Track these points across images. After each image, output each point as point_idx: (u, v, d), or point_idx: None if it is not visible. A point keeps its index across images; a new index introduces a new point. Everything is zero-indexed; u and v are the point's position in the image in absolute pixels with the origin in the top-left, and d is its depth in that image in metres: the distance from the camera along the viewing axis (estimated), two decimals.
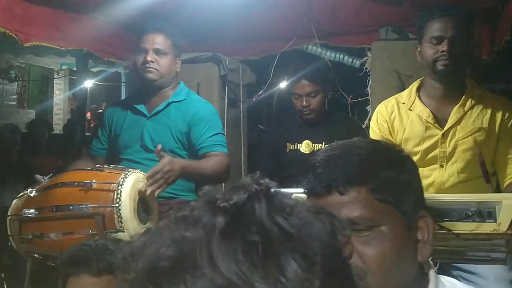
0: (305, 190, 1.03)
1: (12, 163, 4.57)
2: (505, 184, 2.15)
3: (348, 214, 0.95)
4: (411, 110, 2.28)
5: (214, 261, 0.48)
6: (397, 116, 2.31)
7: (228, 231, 0.50)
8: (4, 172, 4.44)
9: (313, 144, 3.10)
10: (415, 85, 2.34)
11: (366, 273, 0.93)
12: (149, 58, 2.56)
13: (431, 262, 1.07)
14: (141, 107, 2.67)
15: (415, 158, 2.24)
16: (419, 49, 2.26)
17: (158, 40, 2.60)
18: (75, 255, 1.48)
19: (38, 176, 2.21)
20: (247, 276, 0.47)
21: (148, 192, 2.11)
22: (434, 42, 2.17)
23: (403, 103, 2.32)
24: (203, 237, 0.50)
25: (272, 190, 0.56)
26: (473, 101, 2.21)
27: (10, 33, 2.57)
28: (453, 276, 2.06)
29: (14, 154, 4.68)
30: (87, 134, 9.05)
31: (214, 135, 2.56)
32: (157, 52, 2.59)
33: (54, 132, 10.11)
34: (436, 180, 2.20)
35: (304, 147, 3.11)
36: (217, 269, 0.48)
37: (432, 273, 1.04)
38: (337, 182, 0.97)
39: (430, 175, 2.22)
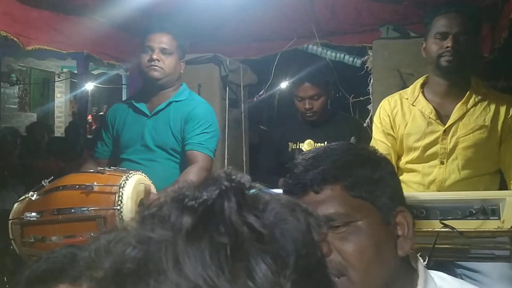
0: (283, 192, 1.07)
1: (13, 166, 4.56)
2: None
3: (324, 212, 0.99)
4: (414, 105, 2.28)
5: (180, 265, 0.46)
6: (400, 111, 2.31)
7: (195, 232, 0.48)
8: (6, 175, 4.43)
9: (315, 144, 3.09)
10: (419, 81, 2.34)
11: (347, 268, 0.95)
12: (155, 56, 2.56)
13: (419, 257, 1.09)
14: (142, 106, 2.67)
15: (415, 154, 2.24)
16: (424, 45, 2.26)
17: (165, 40, 2.60)
18: (48, 269, 1.41)
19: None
20: (213, 280, 0.45)
21: None
22: (439, 37, 2.17)
23: (407, 98, 2.32)
24: (169, 238, 0.48)
25: (245, 185, 0.53)
26: (476, 99, 2.20)
27: (12, 37, 2.56)
28: (456, 274, 2.06)
29: (15, 157, 4.68)
30: (88, 136, 9.06)
31: (201, 133, 2.55)
32: (163, 51, 2.59)
33: (55, 135, 10.11)
34: (438, 177, 2.20)
35: (306, 146, 3.10)
36: (182, 273, 0.46)
37: (421, 268, 1.06)
38: (312, 181, 1.02)
39: (431, 172, 2.21)
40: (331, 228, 0.98)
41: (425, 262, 1.10)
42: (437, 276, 1.07)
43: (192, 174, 2.45)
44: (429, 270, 1.07)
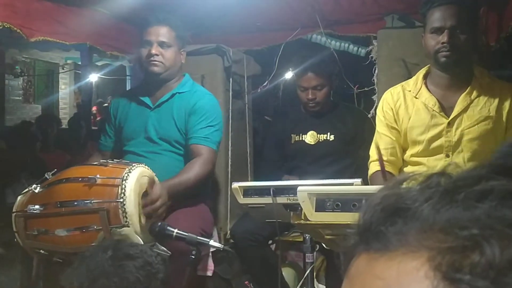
0: None
1: (24, 159, 4.56)
2: None
3: None
4: (417, 98, 2.24)
5: None
6: (403, 104, 2.27)
7: None
8: (17, 169, 4.42)
9: (318, 135, 3.07)
10: (421, 72, 2.30)
11: None
12: (154, 51, 2.53)
13: None
14: (145, 99, 2.66)
15: (419, 147, 2.21)
16: (423, 37, 2.22)
17: (163, 32, 2.57)
18: None
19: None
20: None
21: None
22: (435, 32, 2.11)
23: (409, 90, 2.28)
24: None
25: None
26: (480, 89, 2.16)
27: (15, 29, 2.55)
28: None
29: (26, 150, 4.68)
30: (93, 128, 9.06)
31: (206, 127, 2.54)
32: (162, 44, 2.56)
33: (61, 127, 10.13)
34: None
35: (309, 138, 3.08)
36: None
37: None
38: None
39: (436, 166, 2.18)
40: None
41: None
42: None
43: (197, 166, 2.45)
44: None
